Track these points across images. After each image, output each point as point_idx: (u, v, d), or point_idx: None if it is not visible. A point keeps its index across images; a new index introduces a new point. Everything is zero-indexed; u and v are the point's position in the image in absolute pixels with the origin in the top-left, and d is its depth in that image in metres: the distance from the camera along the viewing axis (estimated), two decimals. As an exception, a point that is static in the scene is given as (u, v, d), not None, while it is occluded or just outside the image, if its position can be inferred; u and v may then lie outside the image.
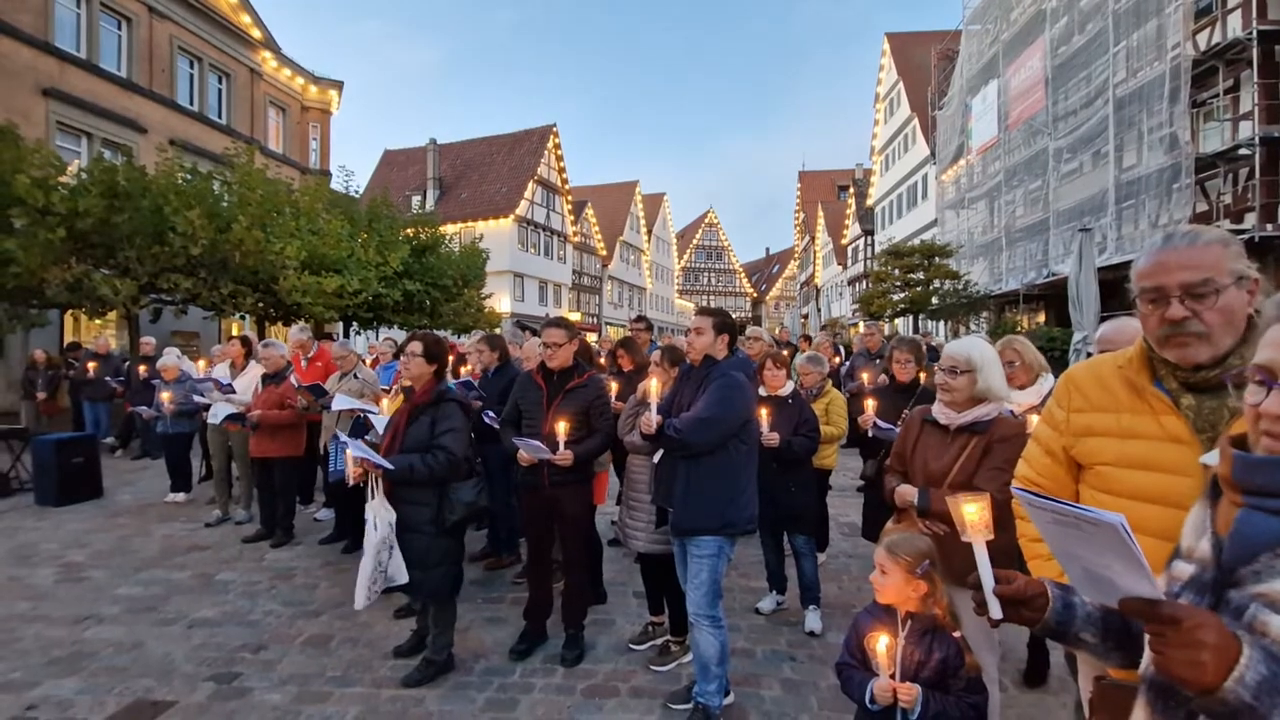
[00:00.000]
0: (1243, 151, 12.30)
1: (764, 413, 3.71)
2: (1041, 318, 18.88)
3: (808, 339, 12.58)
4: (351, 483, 3.26)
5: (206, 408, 6.17)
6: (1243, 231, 11.62)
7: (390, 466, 3.07)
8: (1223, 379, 1.31)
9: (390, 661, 3.47)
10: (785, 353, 4.51)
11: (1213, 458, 1.02)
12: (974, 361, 2.51)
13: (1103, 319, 9.93)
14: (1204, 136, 13.57)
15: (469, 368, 5.67)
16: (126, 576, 4.75)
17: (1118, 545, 0.87)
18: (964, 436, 2.49)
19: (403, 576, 3.19)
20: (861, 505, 4.48)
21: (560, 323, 3.61)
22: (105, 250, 10.21)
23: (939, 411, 2.58)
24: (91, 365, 9.54)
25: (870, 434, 3.71)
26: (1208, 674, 0.77)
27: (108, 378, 9.53)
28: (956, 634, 1.91)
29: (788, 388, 3.97)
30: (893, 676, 1.83)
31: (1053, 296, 16.98)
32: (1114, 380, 1.51)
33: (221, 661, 3.49)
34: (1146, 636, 0.86)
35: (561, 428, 3.23)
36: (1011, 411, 2.74)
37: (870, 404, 3.72)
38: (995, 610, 1.09)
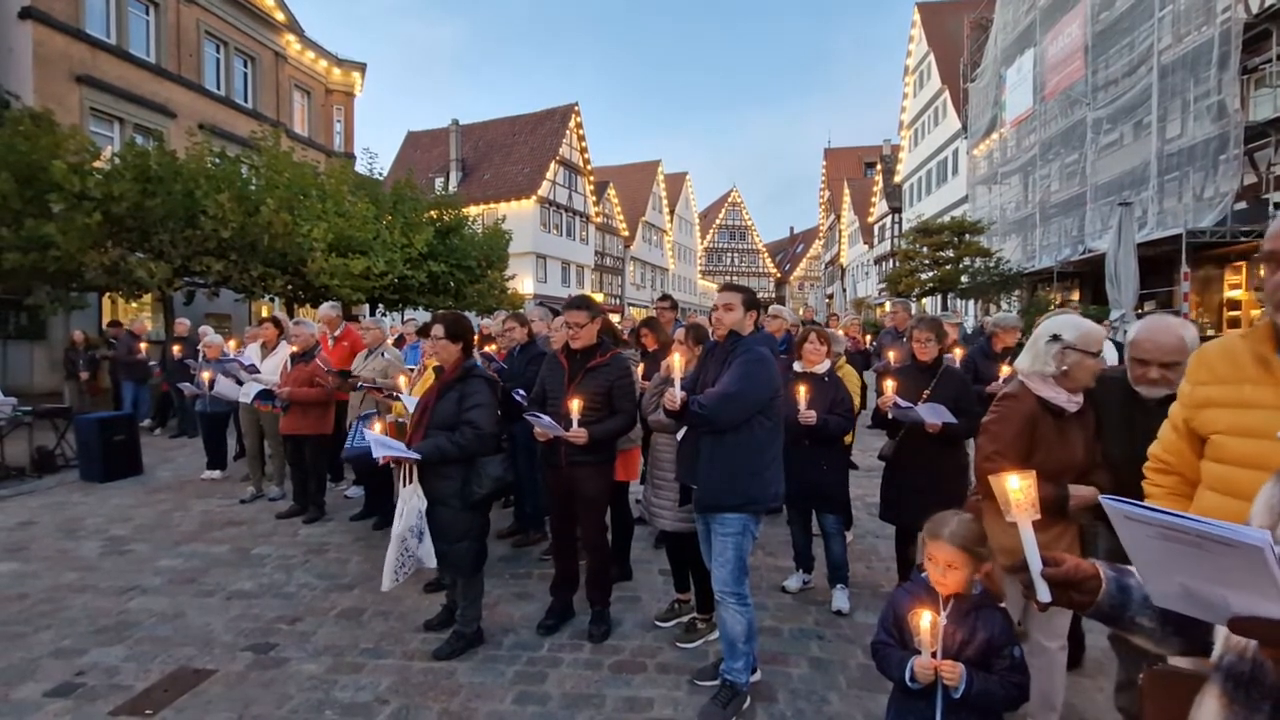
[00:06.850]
0: (1296, 119, 11.72)
1: (801, 390, 3.65)
2: (1076, 295, 18.34)
3: (836, 318, 12.45)
4: (381, 464, 3.30)
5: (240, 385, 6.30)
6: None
7: (417, 456, 3.12)
8: None
9: (421, 634, 3.54)
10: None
11: None
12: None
13: (1142, 296, 9.61)
14: (1254, 104, 12.92)
15: (494, 347, 5.69)
16: (167, 550, 4.91)
17: (1254, 566, 0.75)
18: (1083, 419, 2.41)
19: (431, 561, 3.25)
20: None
21: (582, 302, 3.53)
22: (140, 234, 10.44)
23: (1065, 399, 2.37)
24: (144, 346, 9.81)
25: (890, 415, 3.62)
26: None
27: (153, 362, 9.82)
28: (1002, 604, 1.86)
29: (824, 365, 3.90)
30: (935, 655, 1.79)
31: (1088, 274, 16.47)
32: (1241, 352, 1.48)
33: (259, 632, 3.59)
34: (1220, 629, 0.79)
35: (575, 405, 3.20)
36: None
37: (890, 384, 3.63)
38: (1043, 593, 1.04)
